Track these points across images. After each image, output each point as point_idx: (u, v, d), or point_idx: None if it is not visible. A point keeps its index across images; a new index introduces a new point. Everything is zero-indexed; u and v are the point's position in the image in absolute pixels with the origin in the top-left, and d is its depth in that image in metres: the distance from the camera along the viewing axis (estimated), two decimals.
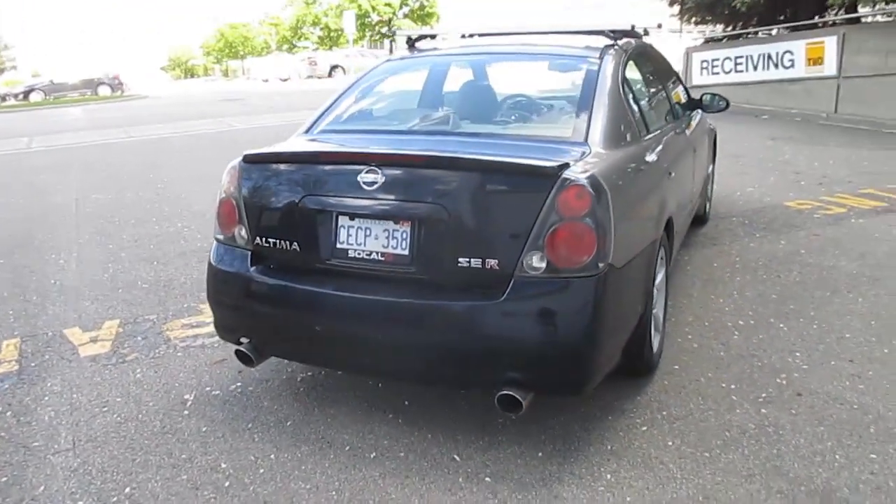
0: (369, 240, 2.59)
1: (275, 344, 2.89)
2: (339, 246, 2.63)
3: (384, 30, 42.94)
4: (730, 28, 14.80)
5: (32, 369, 3.54)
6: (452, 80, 3.67)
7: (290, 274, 2.75)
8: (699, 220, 5.50)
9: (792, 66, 12.42)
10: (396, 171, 2.55)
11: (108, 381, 3.36)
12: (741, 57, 13.33)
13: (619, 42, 3.51)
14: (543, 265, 2.39)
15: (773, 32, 14.14)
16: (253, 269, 2.82)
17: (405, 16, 44.10)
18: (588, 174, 2.44)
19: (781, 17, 14.18)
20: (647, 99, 3.79)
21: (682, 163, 3.82)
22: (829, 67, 11.90)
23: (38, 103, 29.46)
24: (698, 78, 14.25)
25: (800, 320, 3.80)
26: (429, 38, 3.88)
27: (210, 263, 3.00)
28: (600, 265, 2.40)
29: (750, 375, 3.20)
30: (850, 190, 6.82)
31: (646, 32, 4.17)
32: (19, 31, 75.15)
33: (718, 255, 4.92)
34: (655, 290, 3.16)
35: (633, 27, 3.55)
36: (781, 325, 3.74)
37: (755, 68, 13.07)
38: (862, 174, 7.60)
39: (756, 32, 14.20)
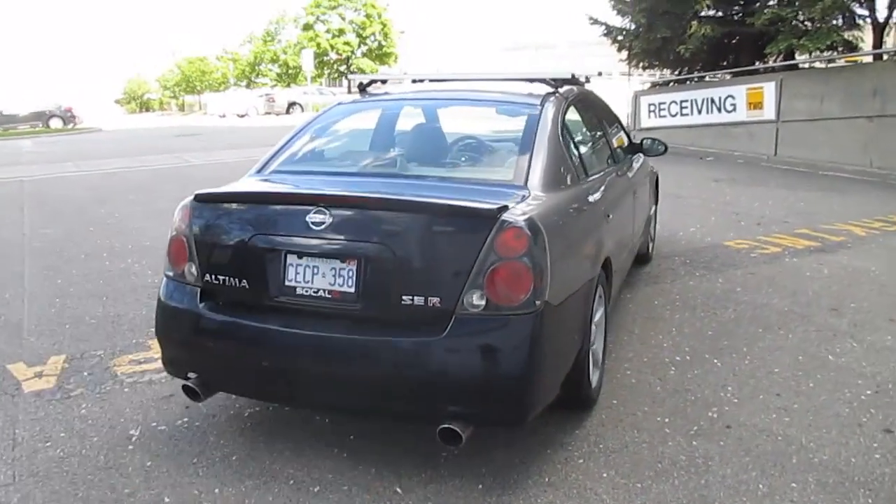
0: (317, 278, 2.68)
1: (222, 379, 2.94)
2: (287, 283, 2.71)
3: (342, 68, 43.39)
4: (675, 73, 15.38)
5: None
6: (401, 123, 3.81)
7: (239, 310, 2.82)
8: (642, 259, 5.70)
9: (734, 109, 12.96)
10: (343, 212, 2.65)
11: (52, 417, 3.35)
12: (686, 101, 13.87)
13: (561, 89, 3.70)
14: (483, 303, 2.50)
15: (717, 77, 14.75)
16: (202, 305, 2.88)
17: (363, 55, 44.60)
18: (526, 216, 2.57)
19: (724, 63, 14.82)
20: (587, 143, 3.98)
21: (621, 205, 4.00)
22: (769, 112, 12.46)
23: None
24: (646, 121, 14.75)
25: (733, 356, 3.98)
26: (379, 83, 4.02)
27: (159, 299, 3.05)
28: (537, 303, 2.52)
29: (683, 409, 3.34)
30: (787, 230, 7.14)
31: (587, 80, 4.39)
32: None
33: (660, 294, 5.11)
34: (594, 327, 3.29)
35: (573, 75, 3.74)
36: (716, 361, 3.90)
37: (699, 112, 13.60)
38: (798, 214, 7.96)
39: (700, 78, 14.79)
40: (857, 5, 12.96)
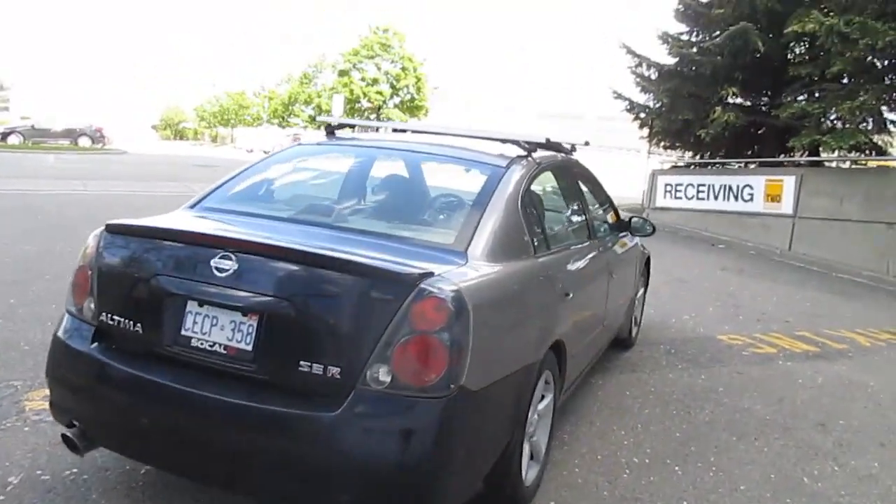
0: (215, 330, 2.38)
1: (103, 433, 2.62)
2: (183, 332, 2.42)
3: (373, 116, 43.87)
4: (697, 156, 15.17)
5: None
6: (354, 172, 3.56)
7: (128, 358, 2.52)
8: (623, 343, 5.35)
9: (751, 199, 12.68)
10: (250, 260, 2.37)
11: None
12: (703, 185, 13.62)
13: (535, 154, 3.44)
14: (388, 380, 2.19)
15: (738, 166, 14.51)
16: (93, 346, 2.59)
17: (395, 106, 45.11)
18: (452, 287, 2.27)
19: (748, 152, 14.59)
20: (557, 215, 3.70)
21: (590, 284, 3.69)
22: (787, 206, 12.16)
23: (14, 146, 29.26)
24: (661, 200, 14.48)
25: (698, 464, 3.59)
26: (349, 128, 3.79)
27: (54, 334, 2.77)
28: (451, 386, 2.21)
29: None
30: (786, 330, 6.75)
31: (573, 148, 4.13)
32: (17, 74, 75.69)
33: (634, 384, 4.74)
34: (536, 417, 2.96)
35: (547, 140, 3.48)
36: (677, 468, 3.52)
37: (716, 198, 13.33)
38: (802, 315, 7.57)
39: (724, 164, 14.54)
40: (887, 109, 12.75)
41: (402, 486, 2.22)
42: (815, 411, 4.56)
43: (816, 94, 12.50)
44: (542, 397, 3.07)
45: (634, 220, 4.76)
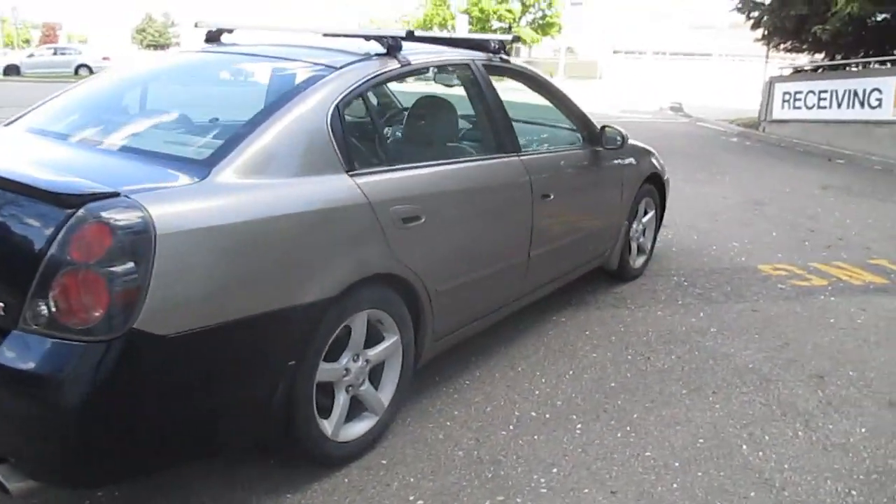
0: None
1: None
2: None
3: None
4: (826, 58, 13.20)
5: None
6: (175, 80, 3.15)
7: None
8: (619, 275, 4.66)
9: (879, 105, 10.88)
10: None
11: None
12: (825, 91, 11.85)
13: (401, 52, 2.87)
14: (46, 318, 1.84)
15: (877, 65, 12.49)
16: None
17: (528, 24, 43.34)
18: (130, 210, 1.85)
19: (894, 51, 12.48)
20: (429, 125, 3.13)
21: (479, 207, 3.07)
22: None
23: None
24: (779, 111, 12.82)
25: (610, 423, 2.99)
26: (227, 32, 3.35)
27: None
28: (120, 328, 1.82)
29: (458, 491, 2.47)
30: (858, 258, 5.68)
31: (500, 47, 3.50)
32: (186, 10, 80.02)
33: (605, 322, 4.09)
34: (364, 363, 2.56)
35: (408, 33, 2.88)
36: (578, 427, 2.94)
37: (839, 105, 11.58)
38: (893, 239, 6.37)
39: (865, 64, 12.52)
40: None
41: (50, 444, 1.90)
42: (825, 359, 3.72)
43: None
44: (382, 339, 2.62)
45: (607, 130, 4.00)
